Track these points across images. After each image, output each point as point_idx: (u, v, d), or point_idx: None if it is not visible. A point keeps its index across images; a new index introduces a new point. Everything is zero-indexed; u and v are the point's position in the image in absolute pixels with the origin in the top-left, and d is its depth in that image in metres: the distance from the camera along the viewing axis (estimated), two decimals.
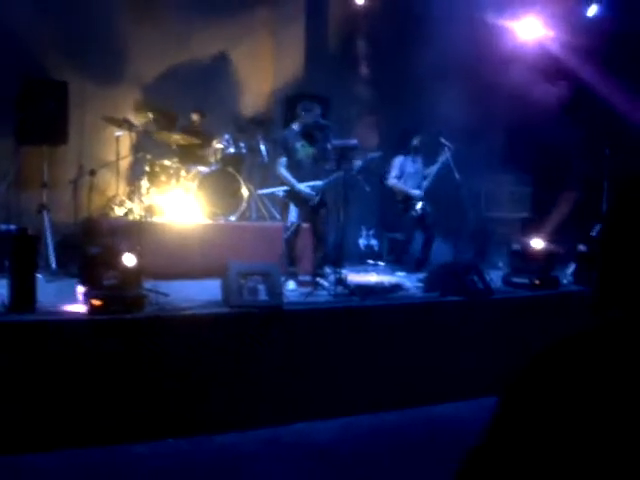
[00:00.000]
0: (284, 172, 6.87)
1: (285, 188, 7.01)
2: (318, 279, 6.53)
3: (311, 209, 6.89)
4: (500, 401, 1.07)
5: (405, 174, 8.35)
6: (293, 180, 6.84)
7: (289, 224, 6.93)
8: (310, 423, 5.16)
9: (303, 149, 6.94)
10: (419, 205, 8.21)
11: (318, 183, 6.84)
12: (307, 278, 6.74)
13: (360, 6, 9.85)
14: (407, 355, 5.77)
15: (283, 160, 6.91)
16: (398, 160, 8.40)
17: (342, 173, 6.68)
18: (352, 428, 5.20)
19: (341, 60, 9.95)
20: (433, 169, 8.19)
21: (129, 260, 5.19)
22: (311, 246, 7.15)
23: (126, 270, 5.13)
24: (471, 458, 1.07)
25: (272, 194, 7.38)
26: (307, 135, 6.96)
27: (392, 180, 8.38)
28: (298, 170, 6.90)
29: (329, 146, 7.05)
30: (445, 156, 7.96)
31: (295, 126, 7.02)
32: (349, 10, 9.96)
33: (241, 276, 5.44)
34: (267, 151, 8.77)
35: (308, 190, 6.82)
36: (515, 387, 1.07)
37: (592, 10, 9.35)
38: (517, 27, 9.18)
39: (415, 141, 8.36)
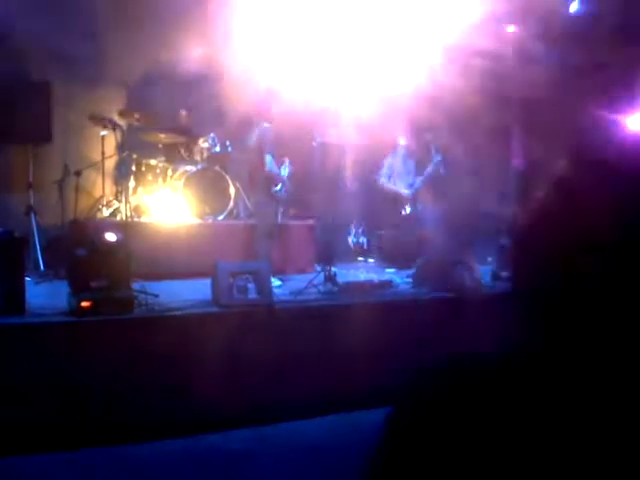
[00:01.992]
0: (276, 168, 7.04)
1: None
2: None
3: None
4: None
5: (395, 173, 8.44)
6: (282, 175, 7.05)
7: (272, 223, 7.03)
8: (301, 421, 5.16)
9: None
10: (407, 205, 8.28)
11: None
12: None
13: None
14: (397, 352, 5.78)
15: (271, 157, 7.02)
16: (388, 160, 8.49)
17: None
18: (342, 426, 5.20)
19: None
20: (428, 171, 8.22)
21: (110, 237, 5.17)
22: (308, 244, 7.29)
23: (114, 271, 5.11)
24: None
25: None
26: None
27: (382, 179, 8.46)
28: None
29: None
30: (438, 157, 8.02)
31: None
32: None
33: (230, 275, 5.44)
34: None
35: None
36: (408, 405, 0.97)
37: (574, 6, 9.38)
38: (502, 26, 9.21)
39: (402, 141, 8.45)
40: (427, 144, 8.10)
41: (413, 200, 8.33)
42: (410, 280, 6.81)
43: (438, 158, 8.04)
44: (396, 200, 8.36)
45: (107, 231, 5.49)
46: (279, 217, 7.15)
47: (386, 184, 8.45)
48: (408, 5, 7.87)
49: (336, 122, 8.42)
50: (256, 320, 5.34)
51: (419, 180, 8.33)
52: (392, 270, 8.05)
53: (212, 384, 5.02)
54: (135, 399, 4.78)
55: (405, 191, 8.31)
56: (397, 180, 8.44)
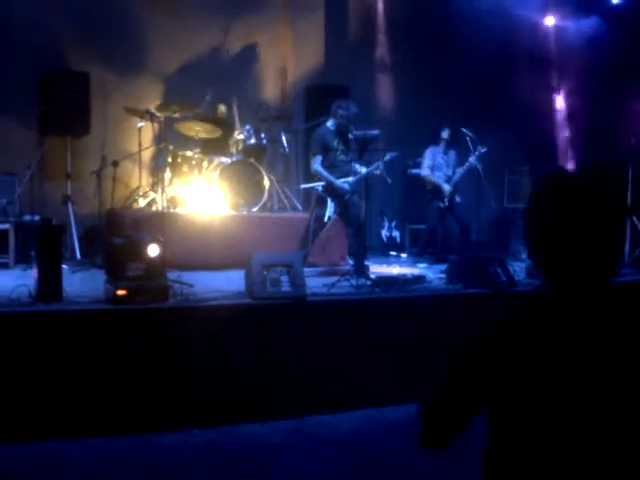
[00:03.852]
0: (321, 169, 7.11)
1: (322, 183, 7.19)
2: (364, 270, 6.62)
3: (345, 202, 7.12)
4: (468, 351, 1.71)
5: (435, 165, 8.41)
6: (331, 177, 7.13)
7: (327, 219, 7.09)
8: (333, 415, 5.16)
9: (339, 146, 7.23)
10: (446, 198, 8.24)
11: (350, 179, 7.11)
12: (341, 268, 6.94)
13: None
14: (429, 347, 5.74)
15: (319, 158, 7.13)
16: (430, 151, 8.47)
17: (372, 168, 6.91)
18: (375, 420, 5.19)
19: (361, 48, 9.91)
20: (470, 161, 8.15)
21: (153, 250, 5.21)
22: (341, 238, 7.32)
23: (150, 261, 5.15)
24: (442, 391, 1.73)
25: (312, 189, 7.43)
26: (340, 133, 7.22)
27: (425, 170, 8.48)
28: (333, 167, 7.18)
29: (351, 136, 7.16)
30: (478, 151, 7.98)
31: (330, 124, 7.21)
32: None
33: (264, 267, 5.44)
34: (288, 142, 8.80)
35: (345, 186, 7.08)
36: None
37: None
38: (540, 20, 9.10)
39: (444, 134, 8.41)
40: (466, 137, 8.04)
41: (453, 193, 8.28)
42: (443, 276, 6.77)
43: (477, 152, 7.98)
44: (436, 192, 8.33)
45: (145, 222, 5.54)
46: (320, 212, 7.24)
47: (429, 176, 8.42)
48: None
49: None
50: (289, 312, 5.35)
51: (459, 172, 8.26)
52: (424, 265, 8.03)
53: (244, 375, 5.05)
54: (168, 388, 4.82)
55: (446, 186, 8.26)
56: (437, 171, 8.41)
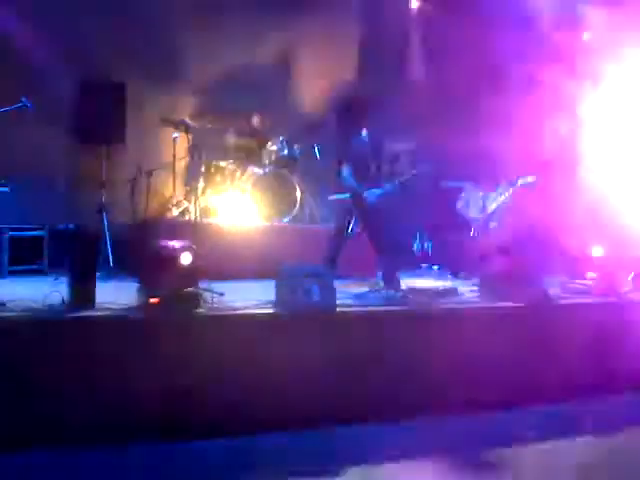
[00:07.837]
0: (349, 178, 7.04)
1: (349, 195, 7.16)
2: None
3: (367, 214, 7.04)
4: None
5: (472, 201, 8.50)
6: (356, 186, 7.06)
7: (350, 229, 7.05)
8: (363, 426, 5.12)
9: (370, 158, 7.16)
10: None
11: (377, 191, 7.03)
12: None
13: (415, 8, 9.73)
14: (461, 361, 5.69)
15: (349, 167, 7.05)
16: (468, 187, 8.66)
17: (397, 183, 6.99)
18: (406, 432, 5.15)
19: (396, 61, 9.91)
20: (506, 195, 8.19)
21: (185, 259, 5.24)
22: (362, 248, 7.30)
23: (183, 270, 5.18)
24: None
25: (340, 199, 7.45)
26: (373, 145, 7.17)
27: (459, 202, 8.72)
28: (363, 179, 7.07)
29: (383, 149, 7.16)
30: (506, 189, 8.02)
31: (364, 135, 7.19)
32: (404, 12, 9.90)
33: (295, 277, 5.46)
34: (320, 154, 8.83)
35: (373, 197, 6.99)
36: None
37: None
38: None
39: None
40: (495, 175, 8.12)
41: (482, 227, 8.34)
42: (476, 289, 6.70)
43: (506, 190, 8.04)
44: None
45: (178, 232, 5.58)
46: (347, 223, 7.20)
47: (462, 208, 8.49)
48: None
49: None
50: (319, 323, 5.34)
51: (494, 204, 8.29)
52: (449, 276, 8.08)
53: (273, 385, 5.04)
54: (200, 396, 4.83)
55: (474, 220, 8.33)
56: (472, 207, 8.49)
